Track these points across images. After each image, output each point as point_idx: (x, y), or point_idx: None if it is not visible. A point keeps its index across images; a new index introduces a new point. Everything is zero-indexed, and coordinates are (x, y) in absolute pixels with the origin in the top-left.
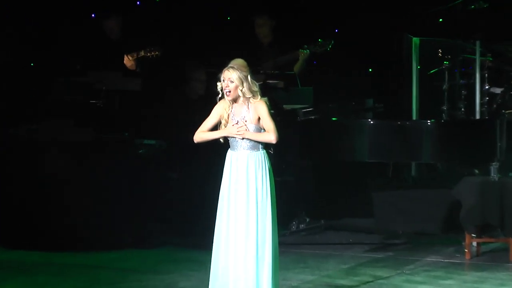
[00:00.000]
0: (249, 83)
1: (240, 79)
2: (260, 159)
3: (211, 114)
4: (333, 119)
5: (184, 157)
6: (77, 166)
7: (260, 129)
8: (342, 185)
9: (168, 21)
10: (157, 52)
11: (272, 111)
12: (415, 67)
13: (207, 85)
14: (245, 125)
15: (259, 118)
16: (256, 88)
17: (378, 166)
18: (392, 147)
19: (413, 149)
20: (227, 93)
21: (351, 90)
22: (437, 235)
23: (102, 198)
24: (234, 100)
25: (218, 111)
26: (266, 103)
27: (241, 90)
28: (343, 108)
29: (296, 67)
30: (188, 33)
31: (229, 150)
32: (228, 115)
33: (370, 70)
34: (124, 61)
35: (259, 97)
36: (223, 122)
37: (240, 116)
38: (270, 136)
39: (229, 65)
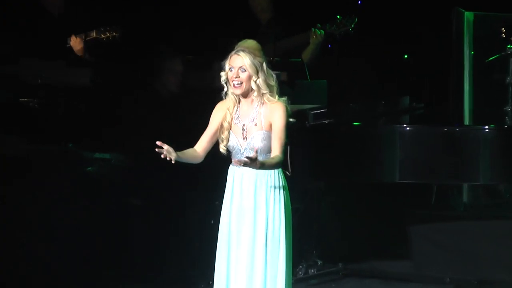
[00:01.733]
0: (265, 74)
1: (255, 66)
2: (273, 178)
3: (210, 121)
4: (355, 124)
5: (152, 177)
6: None
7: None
8: (366, 215)
9: None
10: (114, 33)
11: (291, 121)
12: (467, 52)
13: (182, 79)
14: (256, 154)
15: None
16: (273, 82)
17: (417, 189)
18: (436, 162)
19: (465, 166)
20: (237, 85)
21: (379, 85)
22: (500, 282)
23: (36, 234)
24: (243, 96)
25: (219, 115)
26: (286, 108)
27: (255, 82)
28: (368, 109)
29: (306, 54)
30: (157, 8)
31: (231, 166)
32: (232, 117)
33: (405, 57)
34: (71, 43)
35: (277, 96)
36: (225, 125)
37: (248, 119)
38: (276, 160)
39: (237, 48)
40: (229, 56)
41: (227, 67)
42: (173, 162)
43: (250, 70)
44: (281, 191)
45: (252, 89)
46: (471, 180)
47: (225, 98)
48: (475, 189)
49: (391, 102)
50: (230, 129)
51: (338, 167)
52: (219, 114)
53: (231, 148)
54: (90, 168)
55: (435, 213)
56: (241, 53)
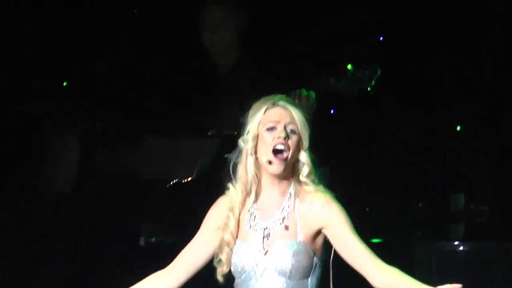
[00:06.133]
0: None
1: (307, 131)
2: None
3: (200, 230)
4: (374, 241)
5: None
6: None
7: (312, 261)
8: None
9: None
10: None
11: None
12: None
13: None
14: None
15: (317, 234)
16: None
17: None
18: None
19: None
20: (281, 155)
21: (416, 176)
22: None
23: None
24: (274, 180)
25: (215, 219)
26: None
27: (305, 151)
28: (394, 214)
29: None
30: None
31: None
32: (240, 213)
33: (458, 128)
34: None
35: (321, 185)
36: (226, 237)
37: (274, 219)
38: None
39: (275, 100)
40: (265, 108)
41: (256, 125)
42: None
43: (302, 133)
44: None
45: (294, 168)
46: None
47: (229, 189)
48: None
49: (433, 203)
50: (235, 240)
51: None
52: (216, 216)
53: (238, 271)
54: None
55: None
56: (289, 106)
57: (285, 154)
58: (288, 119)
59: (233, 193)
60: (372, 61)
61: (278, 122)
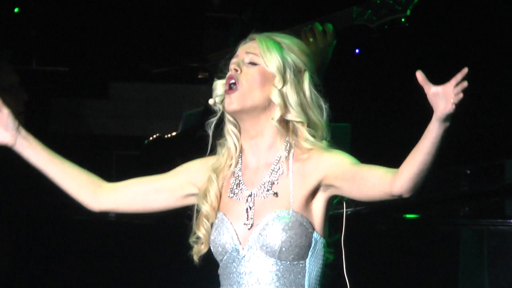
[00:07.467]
0: (305, 92)
1: (284, 65)
2: None
3: (172, 171)
4: (408, 217)
5: None
6: None
7: (309, 238)
8: None
9: None
10: None
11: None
12: None
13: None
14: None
15: (314, 194)
16: (319, 113)
17: None
18: None
19: None
20: (231, 88)
21: (464, 136)
22: None
23: None
24: (249, 132)
25: (198, 171)
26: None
27: (281, 92)
28: (434, 185)
29: None
30: None
31: None
32: (225, 179)
33: None
34: None
35: (325, 141)
36: (204, 208)
37: (260, 184)
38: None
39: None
40: (241, 43)
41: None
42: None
43: (270, 65)
44: None
45: (266, 109)
46: None
47: (220, 151)
48: None
49: (484, 170)
50: (216, 213)
51: None
52: (199, 171)
53: (219, 252)
54: None
55: None
56: (259, 36)
57: (232, 90)
58: (251, 48)
59: (226, 151)
60: None
61: (238, 56)
